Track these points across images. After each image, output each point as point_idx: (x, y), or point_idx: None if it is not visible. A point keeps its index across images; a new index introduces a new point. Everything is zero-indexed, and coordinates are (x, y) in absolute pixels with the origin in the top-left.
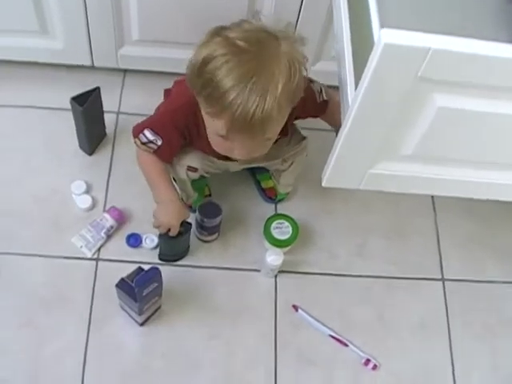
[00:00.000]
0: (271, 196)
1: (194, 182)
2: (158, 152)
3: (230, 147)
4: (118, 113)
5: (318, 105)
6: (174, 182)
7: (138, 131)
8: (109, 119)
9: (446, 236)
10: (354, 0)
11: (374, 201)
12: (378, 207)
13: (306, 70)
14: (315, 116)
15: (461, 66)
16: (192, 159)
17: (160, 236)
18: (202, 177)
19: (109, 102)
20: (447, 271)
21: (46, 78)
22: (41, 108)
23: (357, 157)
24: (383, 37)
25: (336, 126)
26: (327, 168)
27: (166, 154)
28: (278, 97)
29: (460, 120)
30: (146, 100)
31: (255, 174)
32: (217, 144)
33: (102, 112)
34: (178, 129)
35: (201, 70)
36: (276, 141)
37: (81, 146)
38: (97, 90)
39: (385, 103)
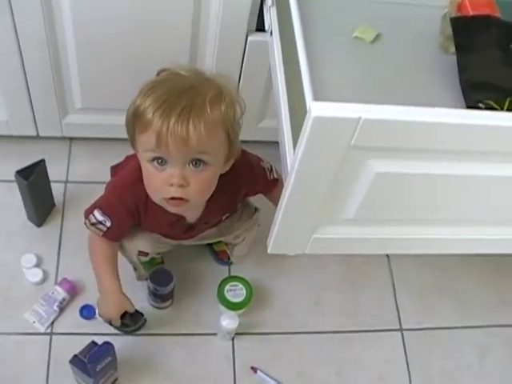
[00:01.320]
0: (224, 258)
1: (144, 263)
2: (107, 233)
3: (167, 176)
4: (66, 182)
5: (268, 182)
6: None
7: (88, 212)
8: (57, 189)
9: (401, 285)
10: (290, 66)
11: (326, 255)
12: (331, 261)
13: (242, 110)
14: (263, 193)
15: (393, 132)
16: (143, 244)
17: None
18: (152, 258)
19: (56, 171)
20: (405, 321)
21: None
22: None
23: (299, 223)
24: (313, 110)
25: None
26: (271, 235)
27: (115, 235)
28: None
29: (399, 183)
30: (93, 167)
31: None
32: (152, 179)
33: (49, 183)
34: (126, 207)
35: (132, 106)
36: (227, 217)
37: (29, 218)
38: (42, 162)
39: (321, 170)
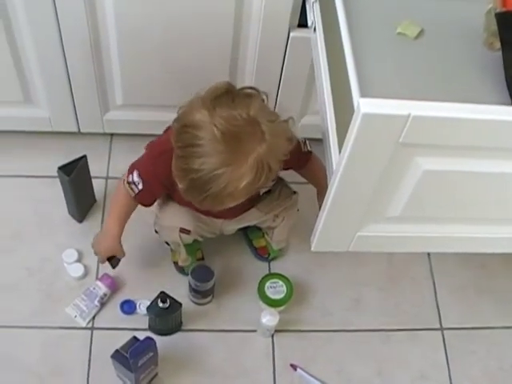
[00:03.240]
0: (264, 255)
1: (187, 245)
2: (137, 196)
3: None
4: (107, 178)
5: (302, 154)
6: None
7: (130, 170)
8: (98, 185)
9: (442, 284)
10: (334, 62)
11: (367, 253)
12: (371, 259)
13: (280, 167)
14: (297, 168)
15: (442, 129)
16: (183, 220)
17: (148, 311)
18: (195, 241)
19: (97, 167)
20: (445, 320)
21: (33, 146)
22: (29, 177)
23: (344, 221)
24: (362, 106)
25: (316, 181)
26: (315, 233)
27: (144, 199)
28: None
29: (446, 181)
30: None
31: (247, 233)
32: None
33: (90, 179)
34: (158, 176)
35: (183, 130)
36: (262, 194)
37: (70, 214)
38: (84, 158)
39: (368, 168)
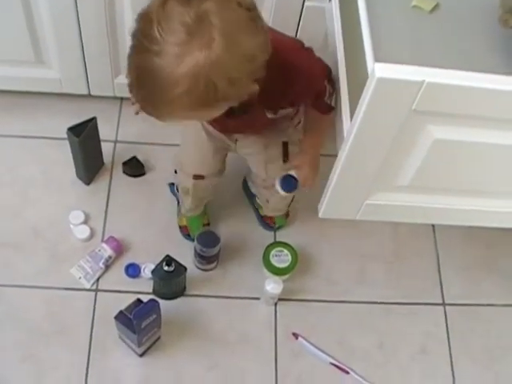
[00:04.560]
0: (270, 223)
1: (192, 218)
2: None
3: None
4: (116, 141)
5: (322, 102)
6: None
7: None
8: (106, 148)
9: (446, 259)
10: (349, 32)
11: (372, 225)
12: (376, 231)
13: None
14: (307, 106)
15: (455, 98)
16: (197, 166)
17: (153, 274)
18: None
19: (106, 130)
20: (448, 295)
21: (42, 107)
22: (38, 138)
23: (353, 188)
24: (377, 71)
25: (312, 132)
26: (323, 200)
27: None
28: None
29: (456, 151)
30: (142, 128)
31: (254, 201)
32: None
33: (99, 142)
34: None
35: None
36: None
37: (78, 176)
38: (93, 120)
39: (380, 135)
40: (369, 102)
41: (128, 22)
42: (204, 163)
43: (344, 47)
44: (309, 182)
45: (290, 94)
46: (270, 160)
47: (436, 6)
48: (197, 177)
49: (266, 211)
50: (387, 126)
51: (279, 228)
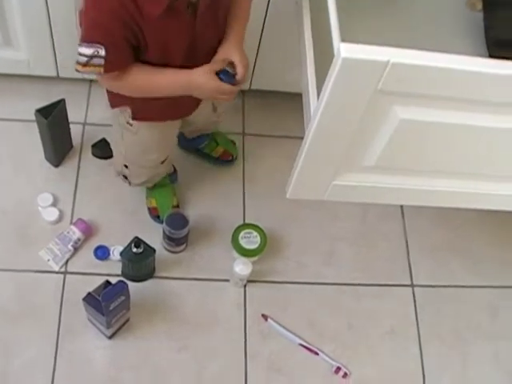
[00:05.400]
0: (227, 157)
1: (161, 191)
2: (108, 65)
3: None
4: (85, 124)
5: None
6: None
7: (80, 45)
8: (75, 130)
9: (414, 242)
10: (316, 13)
11: (341, 207)
12: (345, 214)
13: None
14: None
15: (420, 78)
16: (163, 153)
17: (122, 256)
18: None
19: (75, 112)
20: (416, 277)
21: (10, 89)
22: (5, 120)
23: (320, 168)
24: (342, 51)
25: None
26: (291, 180)
27: (119, 61)
28: None
29: (422, 131)
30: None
31: (203, 152)
32: None
33: (68, 123)
34: (110, 13)
35: None
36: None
37: (47, 158)
38: (62, 101)
39: (346, 115)
40: (334, 82)
41: None
42: (169, 147)
43: (312, 27)
44: (244, 66)
45: None
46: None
47: None
48: (163, 162)
49: (219, 117)
50: (353, 105)
51: (236, 157)
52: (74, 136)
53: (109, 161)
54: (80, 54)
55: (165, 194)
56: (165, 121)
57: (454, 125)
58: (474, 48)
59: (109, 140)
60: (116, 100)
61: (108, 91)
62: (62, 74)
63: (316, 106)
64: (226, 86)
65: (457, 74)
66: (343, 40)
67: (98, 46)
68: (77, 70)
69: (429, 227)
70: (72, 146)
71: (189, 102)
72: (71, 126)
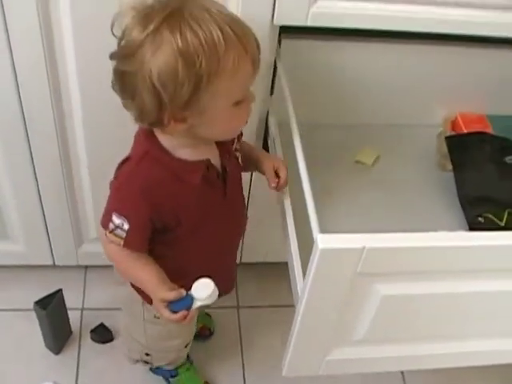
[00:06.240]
0: (205, 333)
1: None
2: (127, 239)
3: (248, 107)
4: (82, 309)
5: None
6: None
7: (107, 219)
8: (73, 316)
9: None
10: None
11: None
12: (344, 376)
13: None
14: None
15: (396, 257)
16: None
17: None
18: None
19: (72, 298)
20: None
21: (8, 279)
22: (5, 310)
23: (311, 346)
24: (319, 242)
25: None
26: (285, 359)
27: (136, 241)
28: None
29: (405, 303)
30: (108, 294)
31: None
32: (236, 119)
33: (66, 312)
34: (140, 192)
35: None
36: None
37: (47, 346)
38: (59, 292)
39: (330, 297)
40: (315, 270)
41: (88, 200)
42: (192, 329)
43: (293, 211)
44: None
45: None
46: None
47: (377, 159)
48: (186, 345)
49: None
50: (336, 288)
51: (213, 331)
52: (72, 322)
53: (108, 345)
54: (111, 220)
55: (191, 377)
56: None
57: (435, 294)
58: (451, 207)
59: (107, 324)
60: None
61: (140, 290)
62: (58, 263)
63: (302, 289)
64: (167, 315)
65: (432, 250)
66: (321, 219)
67: (124, 219)
68: (105, 235)
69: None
70: (71, 333)
71: (224, 285)
72: (69, 312)
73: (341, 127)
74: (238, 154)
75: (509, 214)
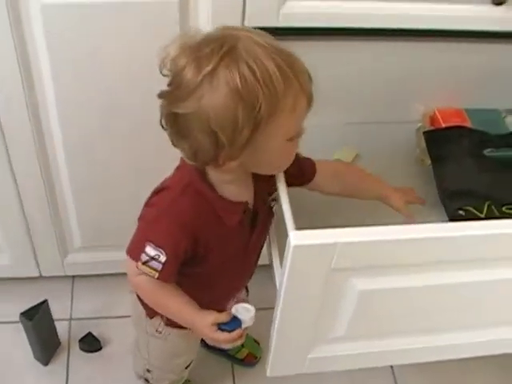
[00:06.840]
0: (252, 360)
1: None
2: (163, 272)
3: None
4: (70, 319)
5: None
6: None
7: (137, 251)
8: (61, 326)
9: None
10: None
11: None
12: (331, 374)
13: None
14: (302, 179)
15: (370, 252)
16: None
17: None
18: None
19: (60, 309)
20: None
21: None
22: None
23: (293, 345)
24: (292, 239)
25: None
26: (268, 359)
27: (172, 273)
28: None
29: (382, 297)
30: (96, 303)
31: (226, 353)
32: (289, 154)
33: (53, 322)
34: (185, 225)
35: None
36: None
37: (35, 357)
38: (45, 302)
39: (307, 294)
40: (290, 267)
41: (71, 209)
42: (195, 349)
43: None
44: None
45: None
46: None
47: (356, 157)
48: (187, 366)
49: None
50: (311, 285)
51: (260, 358)
52: (60, 332)
53: (97, 354)
54: (144, 252)
55: None
56: None
57: (411, 287)
58: (431, 201)
59: (95, 333)
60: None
61: (143, 302)
62: (44, 274)
63: (278, 289)
64: (223, 337)
65: (404, 243)
66: (296, 220)
67: (162, 250)
68: (136, 266)
69: (421, 379)
70: (60, 343)
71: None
72: (57, 322)
73: (318, 126)
74: (273, 204)
75: (488, 206)
